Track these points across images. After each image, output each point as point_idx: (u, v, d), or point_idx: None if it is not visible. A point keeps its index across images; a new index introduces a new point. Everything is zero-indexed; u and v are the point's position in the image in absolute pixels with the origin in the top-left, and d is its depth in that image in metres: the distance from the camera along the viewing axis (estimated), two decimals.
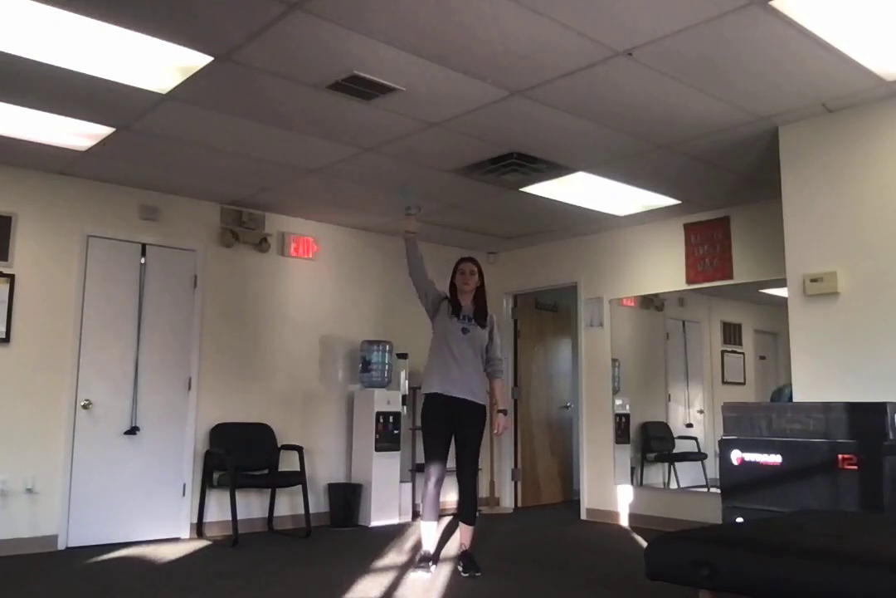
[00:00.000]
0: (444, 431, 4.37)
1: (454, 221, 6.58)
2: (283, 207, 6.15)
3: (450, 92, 3.91)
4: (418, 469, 6.75)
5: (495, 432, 4.57)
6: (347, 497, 6.12)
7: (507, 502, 7.30)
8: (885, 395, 3.57)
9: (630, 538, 5.65)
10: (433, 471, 4.36)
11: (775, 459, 3.41)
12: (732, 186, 5.44)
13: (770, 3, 3.02)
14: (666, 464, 6.97)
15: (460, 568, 4.30)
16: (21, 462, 4.93)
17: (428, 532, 4.39)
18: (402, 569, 4.47)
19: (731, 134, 4.45)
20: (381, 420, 6.24)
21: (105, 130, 4.47)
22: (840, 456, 3.19)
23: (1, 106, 4.10)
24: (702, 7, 3.07)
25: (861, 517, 2.90)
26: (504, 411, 4.51)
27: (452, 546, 5.25)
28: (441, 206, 6.09)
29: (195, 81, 3.77)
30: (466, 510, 4.46)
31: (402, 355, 6.54)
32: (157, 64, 3.59)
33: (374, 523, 6.10)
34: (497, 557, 4.90)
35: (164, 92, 3.91)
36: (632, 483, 6.55)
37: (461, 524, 4.49)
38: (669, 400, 7.25)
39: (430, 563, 4.32)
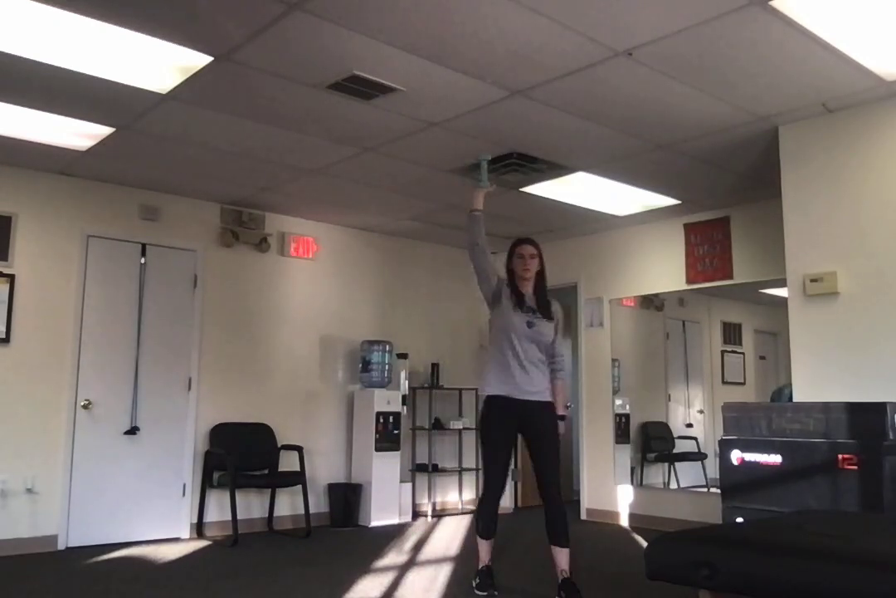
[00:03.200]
0: (506, 438, 3.83)
1: (454, 221, 6.57)
2: (283, 207, 6.15)
3: (450, 92, 3.91)
4: (418, 469, 6.76)
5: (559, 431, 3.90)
6: (347, 497, 6.12)
7: (507, 502, 7.29)
8: (885, 395, 3.57)
9: (630, 538, 5.65)
10: (493, 482, 3.80)
11: (775, 459, 3.41)
12: (732, 186, 5.44)
13: (770, 3, 3.02)
14: (666, 464, 6.96)
15: None
16: (21, 462, 4.93)
17: (485, 548, 3.89)
18: (402, 569, 4.47)
19: (731, 134, 4.45)
20: (381, 420, 6.24)
21: (105, 130, 4.47)
22: (840, 456, 3.19)
23: (1, 106, 4.10)
24: (701, 7, 3.07)
25: (861, 517, 2.90)
26: (563, 417, 3.87)
27: (443, 547, 5.25)
28: (441, 206, 6.09)
29: (195, 81, 3.77)
30: (559, 530, 3.73)
31: (402, 355, 6.54)
32: (157, 64, 3.59)
33: (374, 523, 6.10)
34: (497, 557, 4.89)
35: (164, 92, 3.91)
36: (632, 483, 6.55)
37: (555, 548, 3.74)
38: (669, 400, 7.24)
39: (493, 590, 3.84)
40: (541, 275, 3.94)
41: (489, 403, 3.83)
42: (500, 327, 3.83)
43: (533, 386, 3.77)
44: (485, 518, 3.86)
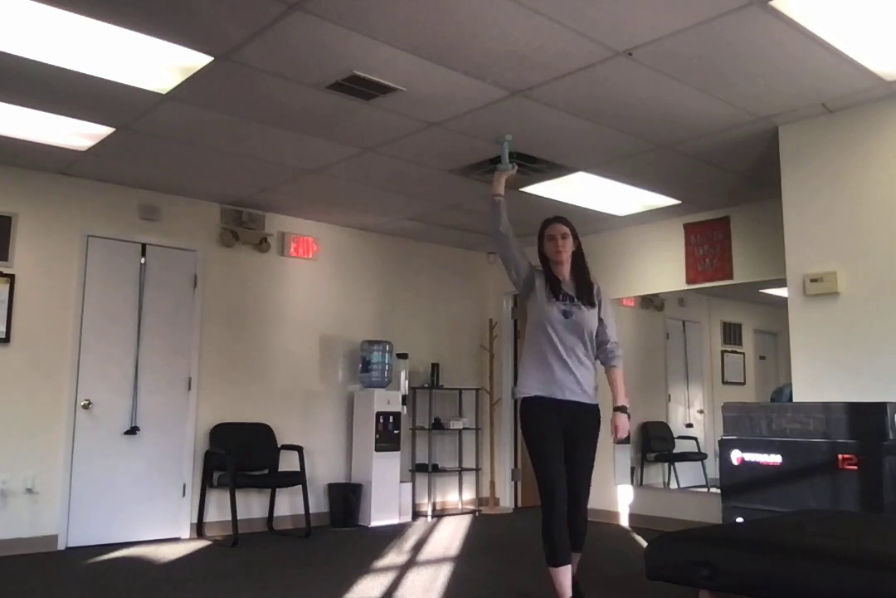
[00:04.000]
0: (556, 443, 3.30)
1: (454, 221, 6.58)
2: (283, 207, 6.14)
3: (450, 92, 3.91)
4: (418, 469, 6.76)
5: (614, 435, 3.39)
6: (347, 497, 6.12)
7: (507, 502, 7.30)
8: (885, 395, 3.57)
9: (630, 538, 5.65)
10: (558, 495, 3.24)
11: (775, 459, 3.41)
12: (732, 185, 5.44)
13: (770, 3, 3.02)
14: (666, 464, 6.96)
15: None
16: (21, 462, 4.93)
17: (561, 579, 3.23)
18: (402, 569, 4.47)
19: (731, 134, 4.45)
20: (381, 420, 6.24)
21: (105, 130, 4.47)
22: (840, 456, 3.19)
23: (1, 106, 4.10)
24: (701, 7, 3.07)
25: (861, 517, 2.90)
26: (623, 409, 3.37)
27: (443, 547, 5.25)
28: (441, 206, 6.09)
29: (195, 81, 3.77)
30: (578, 536, 3.36)
31: (402, 355, 6.54)
32: (157, 64, 3.59)
33: (374, 523, 6.10)
34: (497, 557, 4.90)
35: (164, 92, 3.91)
36: (632, 483, 6.55)
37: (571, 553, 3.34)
38: (669, 400, 7.24)
39: None
40: (578, 256, 3.49)
41: (528, 407, 3.37)
42: (536, 321, 3.40)
43: (577, 385, 3.33)
44: (554, 540, 3.22)
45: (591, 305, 3.40)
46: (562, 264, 3.44)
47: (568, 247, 3.43)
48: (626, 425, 3.37)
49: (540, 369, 3.35)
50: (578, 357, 3.35)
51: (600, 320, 3.42)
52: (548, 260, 3.49)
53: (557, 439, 3.30)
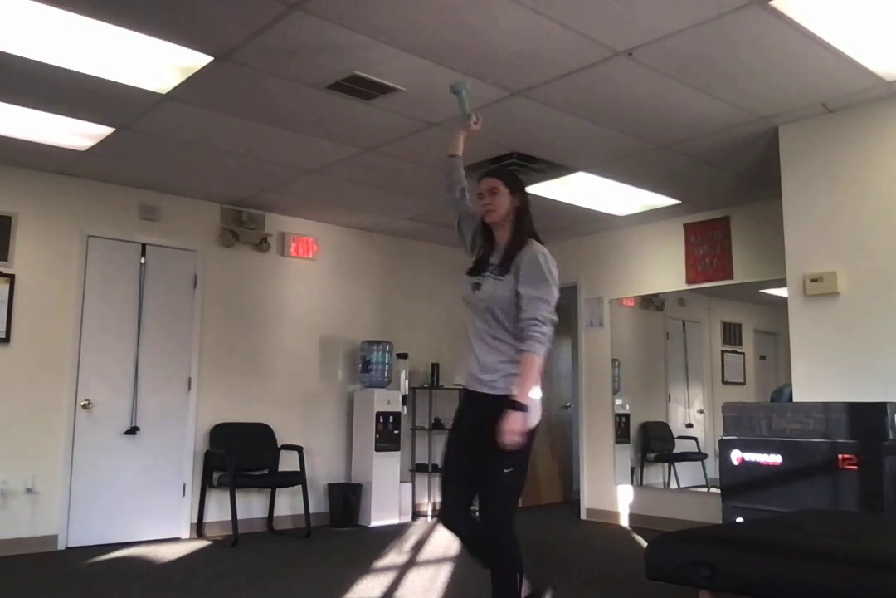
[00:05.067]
0: (458, 439, 2.81)
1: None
2: (283, 207, 6.14)
3: (450, 92, 3.90)
4: (418, 469, 6.76)
5: (499, 438, 2.53)
6: (347, 497, 6.12)
7: None
8: (885, 395, 3.56)
9: (630, 538, 5.65)
10: (445, 500, 2.81)
11: (775, 459, 3.41)
12: (732, 186, 5.44)
13: (770, 3, 3.02)
14: (666, 464, 6.96)
15: None
16: (21, 462, 4.93)
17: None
18: (402, 569, 4.47)
19: (731, 134, 4.45)
20: (381, 420, 6.24)
21: (105, 130, 4.47)
22: (840, 456, 3.19)
23: (1, 106, 4.10)
24: (702, 7, 3.07)
25: (861, 517, 2.90)
26: (517, 406, 2.54)
27: (443, 547, 5.26)
28: (441, 206, 6.07)
29: (195, 81, 3.77)
30: (491, 560, 2.75)
31: (402, 355, 6.54)
32: (157, 64, 3.59)
33: (374, 523, 6.10)
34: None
35: (164, 92, 3.91)
36: (632, 483, 6.55)
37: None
38: (669, 400, 7.24)
39: None
40: (520, 215, 2.84)
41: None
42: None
43: (482, 372, 2.73)
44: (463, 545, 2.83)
45: (504, 273, 2.72)
46: (499, 226, 2.84)
47: (501, 204, 2.81)
48: (514, 428, 2.51)
49: (465, 354, 2.86)
50: (484, 338, 2.74)
51: (518, 293, 2.67)
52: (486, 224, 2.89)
53: (461, 436, 2.79)
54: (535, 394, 2.61)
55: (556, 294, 2.70)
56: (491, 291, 2.72)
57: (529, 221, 2.86)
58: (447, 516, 2.78)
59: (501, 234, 2.84)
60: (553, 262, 2.75)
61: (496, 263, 2.77)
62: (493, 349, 2.72)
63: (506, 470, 2.63)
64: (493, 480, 2.65)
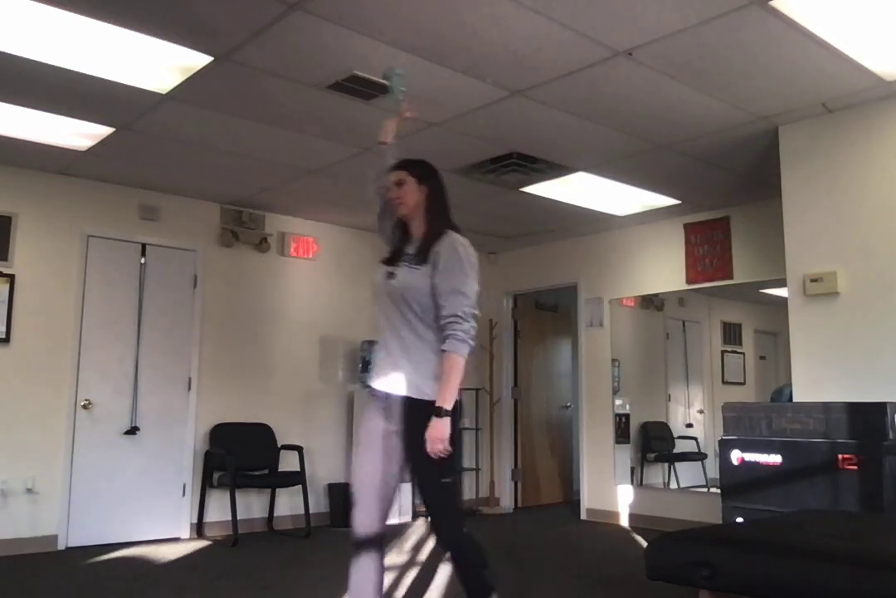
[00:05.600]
0: (370, 446, 2.57)
1: (454, 221, 6.57)
2: (283, 207, 6.14)
3: (450, 92, 3.91)
4: None
5: (429, 448, 2.36)
6: (347, 497, 6.08)
7: (507, 502, 7.30)
8: (885, 395, 3.56)
9: (630, 538, 5.65)
10: (355, 511, 2.61)
11: (775, 459, 3.41)
12: (732, 186, 5.44)
13: (770, 3, 3.02)
14: (666, 464, 6.96)
15: None
16: (21, 462, 4.93)
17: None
18: (402, 569, 4.47)
19: (731, 134, 4.45)
20: None
21: (105, 130, 4.47)
22: (840, 456, 3.19)
23: (1, 106, 4.10)
24: (702, 7, 3.06)
25: (861, 517, 2.90)
26: (441, 412, 2.35)
27: None
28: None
29: (195, 81, 3.77)
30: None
31: None
32: (157, 64, 3.59)
33: None
34: (497, 557, 4.89)
35: (164, 92, 3.91)
36: (632, 483, 6.55)
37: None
38: (669, 400, 7.25)
39: None
40: (431, 205, 2.69)
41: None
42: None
43: (394, 370, 2.51)
44: (352, 586, 2.59)
45: (421, 262, 2.52)
46: (411, 219, 2.70)
47: (408, 196, 2.67)
48: (438, 437, 2.33)
49: (378, 354, 2.66)
50: (399, 334, 2.52)
51: (435, 287, 2.46)
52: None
53: (373, 442, 2.56)
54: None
55: (475, 287, 2.50)
56: (405, 279, 2.52)
57: (444, 210, 2.70)
58: (360, 510, 2.58)
59: (416, 225, 2.69)
60: (473, 253, 2.56)
61: (412, 253, 2.61)
62: (412, 349, 2.49)
63: (443, 480, 2.48)
64: (427, 488, 2.52)
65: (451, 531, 2.55)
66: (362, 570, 2.54)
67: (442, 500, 2.52)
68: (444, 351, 2.41)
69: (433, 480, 2.49)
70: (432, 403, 2.38)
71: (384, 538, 2.59)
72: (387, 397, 2.52)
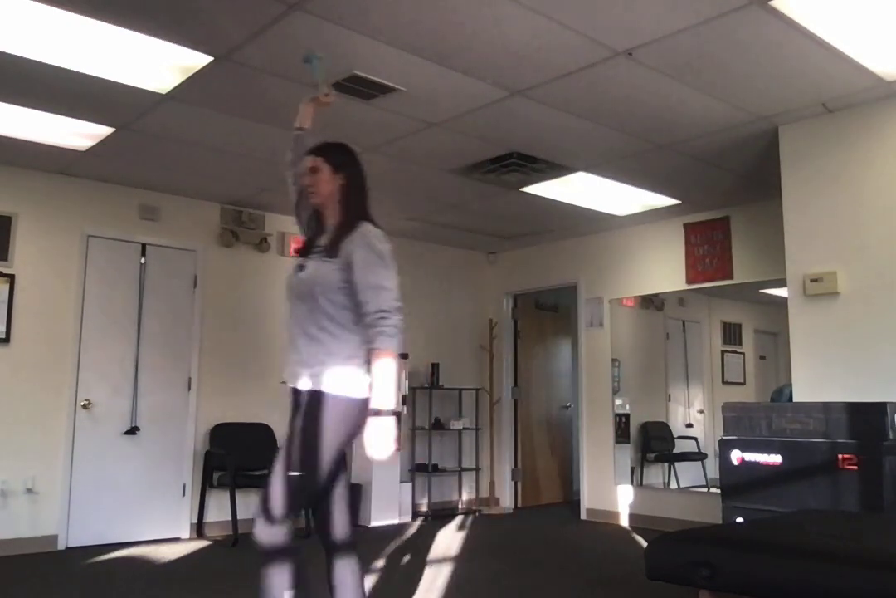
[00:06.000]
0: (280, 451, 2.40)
1: (454, 221, 6.57)
2: (283, 207, 6.13)
3: (450, 92, 3.91)
4: (418, 469, 6.77)
5: (368, 452, 2.24)
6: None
7: (507, 502, 7.30)
8: (885, 395, 3.57)
9: (630, 538, 5.65)
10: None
11: (775, 459, 3.41)
12: (732, 185, 5.44)
13: (770, 3, 3.02)
14: (666, 464, 6.97)
15: None
16: (21, 462, 4.93)
17: None
18: (403, 569, 4.47)
19: (731, 134, 4.45)
20: None
21: (105, 130, 4.47)
22: (840, 456, 3.19)
23: (1, 106, 4.10)
24: (702, 7, 3.07)
25: (861, 517, 2.90)
26: (380, 413, 2.26)
27: (443, 547, 5.25)
28: (441, 206, 6.09)
29: (195, 81, 3.77)
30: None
31: (403, 355, 6.53)
32: (157, 64, 3.59)
33: (375, 523, 6.10)
34: (497, 557, 4.90)
35: (164, 92, 3.91)
36: (632, 483, 6.55)
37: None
38: (669, 400, 7.25)
39: None
40: (347, 193, 2.56)
41: None
42: None
43: (301, 364, 2.40)
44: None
45: (333, 255, 2.38)
46: (325, 209, 2.56)
47: (322, 185, 2.52)
48: (383, 438, 2.23)
49: (287, 349, 2.52)
50: (305, 328, 2.39)
51: (353, 283, 2.33)
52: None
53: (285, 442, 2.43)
54: (359, 393, 2.32)
55: (395, 279, 2.37)
56: (314, 272, 2.39)
57: (359, 201, 2.57)
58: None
59: (329, 215, 2.54)
60: (388, 245, 2.43)
61: (324, 245, 2.46)
62: (319, 343, 2.36)
63: (291, 472, 2.28)
64: (273, 474, 2.31)
65: (268, 526, 2.29)
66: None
67: (278, 490, 2.28)
68: (372, 348, 2.28)
69: (283, 467, 2.30)
70: (337, 397, 2.31)
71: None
72: (297, 394, 2.42)
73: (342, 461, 2.45)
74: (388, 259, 2.40)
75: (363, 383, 2.32)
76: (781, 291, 4.44)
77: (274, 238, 6.26)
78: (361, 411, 2.30)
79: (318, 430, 2.29)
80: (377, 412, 2.25)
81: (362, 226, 2.45)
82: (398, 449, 2.28)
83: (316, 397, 2.32)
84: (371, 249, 2.37)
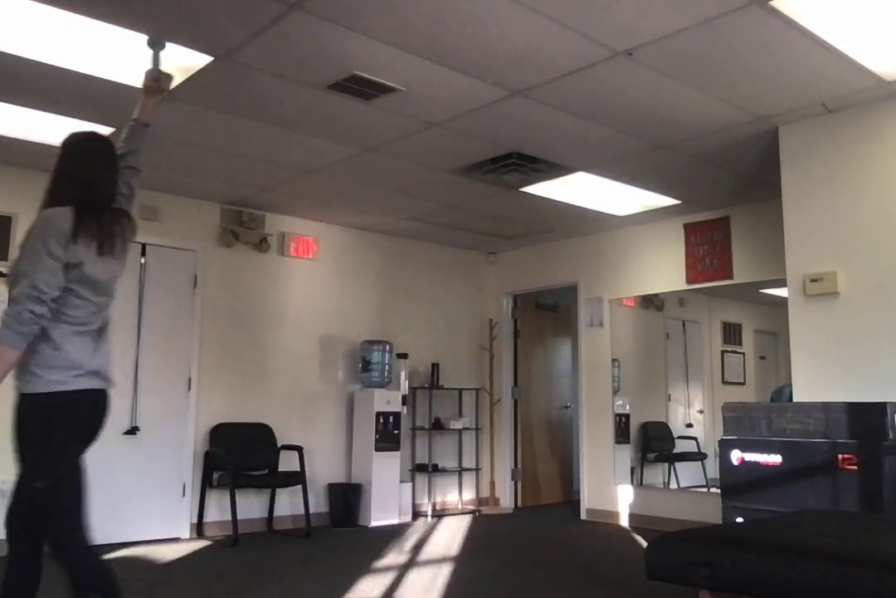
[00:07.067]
0: None
1: (454, 221, 6.58)
2: (283, 207, 6.14)
3: (450, 92, 3.91)
4: (418, 469, 6.77)
5: None
6: (347, 497, 6.12)
7: (507, 502, 7.30)
8: (885, 395, 3.57)
9: (630, 538, 5.65)
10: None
11: (775, 459, 3.41)
12: (732, 185, 5.44)
13: (770, 3, 3.02)
14: (666, 464, 6.96)
15: None
16: None
17: None
18: (402, 569, 4.47)
19: (731, 134, 4.45)
20: (381, 420, 6.24)
21: (105, 130, 4.46)
22: (840, 456, 3.19)
23: (1, 106, 4.10)
24: (702, 7, 3.07)
25: (861, 517, 2.90)
26: None
27: (443, 547, 5.25)
28: (441, 206, 6.09)
29: (195, 81, 3.77)
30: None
31: (402, 355, 6.54)
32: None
33: (374, 523, 6.10)
34: (497, 557, 4.90)
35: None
36: (632, 483, 6.55)
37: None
38: (669, 400, 7.25)
39: None
40: (47, 187, 2.52)
41: None
42: None
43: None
44: None
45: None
46: None
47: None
48: None
49: None
50: None
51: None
52: None
53: None
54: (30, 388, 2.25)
55: (46, 264, 2.27)
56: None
57: (52, 188, 2.47)
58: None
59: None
60: (54, 227, 2.31)
61: None
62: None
63: (35, 483, 2.29)
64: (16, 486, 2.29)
65: (11, 540, 2.26)
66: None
67: (21, 502, 2.26)
68: None
69: (22, 479, 2.27)
70: (24, 395, 2.27)
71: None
72: None
73: None
74: (43, 242, 2.28)
75: None
76: (781, 291, 4.44)
77: (274, 238, 6.26)
78: (53, 412, 2.29)
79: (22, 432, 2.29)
80: None
81: (42, 212, 2.40)
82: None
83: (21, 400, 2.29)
84: (29, 232, 2.33)
